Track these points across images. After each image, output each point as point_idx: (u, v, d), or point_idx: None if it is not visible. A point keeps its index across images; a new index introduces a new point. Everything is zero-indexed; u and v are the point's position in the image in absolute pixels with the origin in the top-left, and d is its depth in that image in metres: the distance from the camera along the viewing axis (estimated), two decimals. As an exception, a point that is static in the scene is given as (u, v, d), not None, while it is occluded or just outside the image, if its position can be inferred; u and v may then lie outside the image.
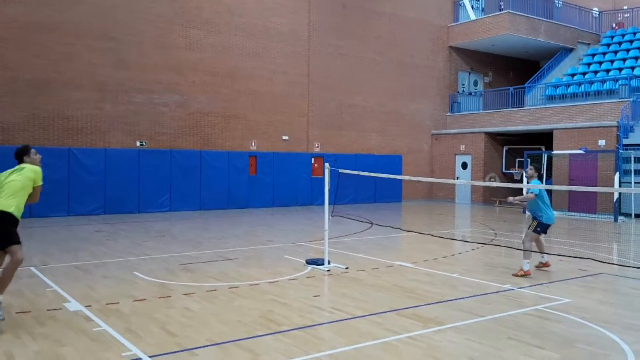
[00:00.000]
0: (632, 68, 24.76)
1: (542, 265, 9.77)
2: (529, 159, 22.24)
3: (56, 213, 17.48)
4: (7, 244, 6.14)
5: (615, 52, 27.13)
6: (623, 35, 28.32)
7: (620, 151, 19.45)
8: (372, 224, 16.45)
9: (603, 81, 24.29)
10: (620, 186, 18.71)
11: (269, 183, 22.32)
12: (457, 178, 26.83)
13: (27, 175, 6.37)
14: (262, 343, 5.60)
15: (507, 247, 12.71)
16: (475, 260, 11.02)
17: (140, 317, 6.47)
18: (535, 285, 8.50)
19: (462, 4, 28.94)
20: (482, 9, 29.65)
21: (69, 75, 18.52)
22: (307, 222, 17.51)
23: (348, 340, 5.72)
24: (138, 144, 19.75)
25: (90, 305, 6.95)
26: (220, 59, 21.57)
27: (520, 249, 9.47)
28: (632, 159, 19.27)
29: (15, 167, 6.53)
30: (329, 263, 9.60)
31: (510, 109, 26.07)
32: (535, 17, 27.35)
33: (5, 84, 17.45)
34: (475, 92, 29.67)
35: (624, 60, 25.94)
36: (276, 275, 8.94)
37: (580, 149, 20.85)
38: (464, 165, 26.91)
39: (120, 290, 7.87)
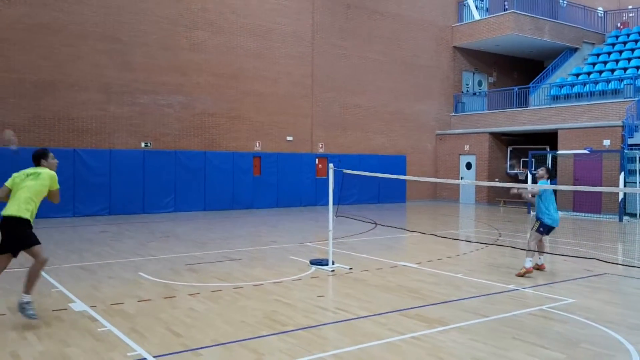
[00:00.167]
0: (637, 68, 24.68)
1: (537, 267, 9.63)
2: (533, 159, 22.24)
3: (61, 214, 17.54)
4: (28, 247, 6.30)
5: (620, 52, 27.04)
6: (628, 35, 28.23)
7: (625, 151, 19.39)
8: (376, 224, 16.44)
9: (608, 81, 24.21)
10: (625, 186, 18.66)
11: (273, 184, 22.34)
12: (462, 178, 26.80)
13: (43, 182, 6.44)
14: (266, 343, 5.62)
15: (512, 247, 12.68)
16: (479, 260, 11.01)
17: (145, 318, 6.49)
18: (539, 285, 8.49)
19: (466, 4, 28.91)
20: (487, 9, 29.60)
21: (74, 77, 18.60)
22: (311, 223, 17.53)
23: (352, 340, 5.73)
24: (143, 145, 19.81)
25: (95, 306, 6.98)
26: (224, 60, 21.61)
27: (525, 249, 9.46)
28: (637, 158, 19.21)
29: (32, 171, 6.54)
30: (333, 263, 9.61)
31: (514, 109, 26.03)
32: (539, 17, 27.29)
33: (10, 86, 17.53)
34: (480, 92, 29.63)
35: (629, 59, 25.86)
36: (280, 276, 8.96)
37: (585, 149, 20.80)
38: (469, 166, 26.88)
39: (125, 290, 7.90)
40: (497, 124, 26.20)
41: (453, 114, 28.69)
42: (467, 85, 29.78)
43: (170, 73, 20.42)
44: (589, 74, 26.14)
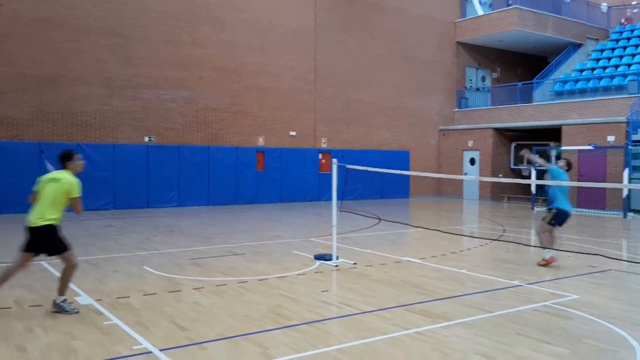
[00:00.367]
0: (642, 63, 24.60)
1: (547, 262, 9.70)
2: (537, 155, 22.16)
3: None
4: (57, 254, 6.46)
5: (624, 48, 26.95)
6: (632, 31, 28.12)
7: (630, 147, 19.34)
8: (379, 219, 16.46)
9: (612, 77, 24.14)
10: (629, 182, 18.62)
11: (277, 179, 22.36)
12: (465, 174, 26.77)
13: (61, 188, 6.43)
14: (271, 337, 5.64)
15: (516, 243, 12.70)
16: (483, 256, 11.01)
17: (150, 311, 6.52)
18: (543, 281, 8.50)
19: (469, 0, 28.82)
20: (490, 5, 29.51)
21: (77, 71, 18.62)
22: (315, 218, 17.54)
23: (356, 335, 5.75)
24: (146, 139, 19.84)
25: (100, 299, 7.01)
26: (227, 55, 21.60)
27: (530, 245, 9.49)
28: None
29: (54, 175, 6.55)
30: (337, 258, 9.62)
31: (518, 104, 25.97)
32: (543, 12, 27.20)
33: (13, 80, 17.55)
34: (483, 88, 29.57)
35: (633, 55, 25.77)
36: (285, 271, 8.98)
37: (589, 145, 20.76)
38: (472, 161, 26.85)
39: (130, 284, 7.93)
40: (501, 120, 26.15)
41: (456, 109, 28.64)
42: (471, 80, 29.72)
43: (173, 68, 20.43)
44: (592, 69, 26.06)
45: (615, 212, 19.05)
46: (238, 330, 5.83)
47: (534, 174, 21.11)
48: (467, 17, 28.70)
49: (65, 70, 18.42)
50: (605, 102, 22.42)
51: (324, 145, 24.20)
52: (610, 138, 20.93)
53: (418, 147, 27.22)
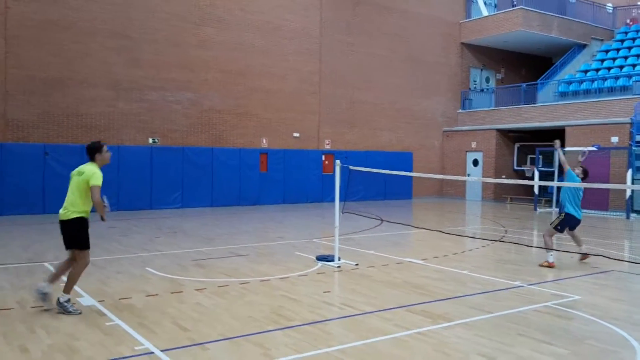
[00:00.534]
0: (646, 64, 24.54)
1: (548, 265, 9.76)
2: (540, 156, 22.16)
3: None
4: (74, 248, 6.56)
5: (629, 49, 26.89)
6: (637, 31, 28.06)
7: (633, 148, 19.30)
8: (382, 220, 16.47)
9: (616, 77, 24.08)
10: (632, 183, 18.58)
11: (280, 180, 22.39)
12: (468, 175, 26.75)
13: (85, 179, 6.51)
14: (272, 338, 5.66)
15: (518, 244, 12.68)
16: (485, 257, 11.01)
17: (152, 312, 6.55)
18: (545, 282, 8.50)
19: (474, 0, 28.81)
20: (495, 5, 29.51)
21: (83, 74, 18.70)
22: (318, 219, 17.57)
23: (358, 335, 5.77)
24: (150, 141, 19.90)
25: (103, 300, 7.05)
26: (232, 56, 21.66)
27: (532, 246, 9.50)
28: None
29: (80, 169, 6.65)
30: (339, 259, 9.64)
31: (522, 105, 25.93)
32: (548, 13, 27.16)
33: (20, 82, 17.64)
34: (487, 89, 29.54)
35: (638, 56, 25.71)
36: (287, 272, 9.00)
37: (592, 146, 20.71)
38: (475, 162, 26.83)
39: (132, 285, 7.97)
40: (505, 121, 26.12)
41: (460, 110, 28.62)
42: (475, 81, 29.69)
43: (179, 70, 20.49)
44: (597, 70, 26.00)
45: (618, 213, 19.00)
46: (240, 331, 5.86)
47: (537, 175, 21.10)
48: (472, 18, 28.70)
49: (72, 72, 18.50)
50: (609, 103, 22.38)
51: (327, 147, 24.22)
52: (614, 139, 20.88)
53: (421, 148, 27.21)
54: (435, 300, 7.25)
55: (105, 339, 5.56)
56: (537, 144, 24.60)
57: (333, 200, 9.98)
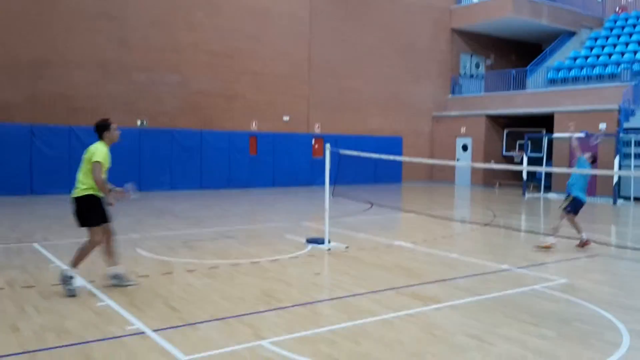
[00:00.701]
0: (635, 52, 24.67)
1: (585, 243, 9.99)
2: (528, 142, 22.29)
3: (58, 190, 17.53)
4: (85, 225, 6.47)
5: (618, 36, 27.00)
6: (626, 19, 28.15)
7: (621, 135, 19.46)
8: (372, 204, 16.54)
9: (605, 65, 24.21)
10: (620, 169, 18.77)
11: (270, 163, 22.36)
12: (458, 160, 26.86)
13: (88, 157, 6.49)
14: (263, 319, 5.70)
15: (506, 228, 12.81)
16: (474, 240, 11.12)
17: (143, 293, 6.56)
18: (532, 265, 8.60)
19: (465, -14, 28.75)
20: (485, -9, 29.40)
21: (70, 55, 18.48)
22: (308, 202, 17.60)
23: (348, 316, 5.82)
24: (139, 123, 19.75)
25: (93, 281, 7.03)
26: (221, 39, 21.48)
27: (520, 230, 9.59)
28: (632, 142, 19.30)
29: (88, 148, 6.61)
30: (329, 242, 9.68)
31: (511, 91, 26.01)
32: (538, -1, 27.19)
33: (5, 64, 17.41)
34: (477, 75, 29.57)
35: (627, 44, 25.83)
36: (277, 254, 9.03)
37: (581, 132, 20.84)
38: (465, 148, 26.94)
39: (124, 266, 7.95)
40: (494, 107, 26.19)
41: (450, 96, 28.66)
42: (465, 67, 29.71)
43: (167, 51, 20.31)
44: (586, 57, 26.10)
45: (605, 199, 19.20)
46: (230, 312, 5.89)
47: (525, 160, 21.24)
48: (462, 4, 28.62)
49: (59, 53, 18.27)
50: (597, 90, 22.51)
51: (317, 131, 24.19)
52: (602, 126, 21.03)
53: (411, 133, 27.24)
54: (424, 283, 7.32)
55: (97, 319, 5.56)
56: (525, 129, 24.74)
57: (323, 183, 10.00)
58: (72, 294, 6.29)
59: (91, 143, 18.44)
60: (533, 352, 4.91)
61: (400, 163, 25.71)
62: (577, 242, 10.12)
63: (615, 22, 28.49)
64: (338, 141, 22.73)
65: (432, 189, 24.61)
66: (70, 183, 19.71)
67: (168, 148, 19.89)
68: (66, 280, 6.32)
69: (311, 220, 13.12)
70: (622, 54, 25.00)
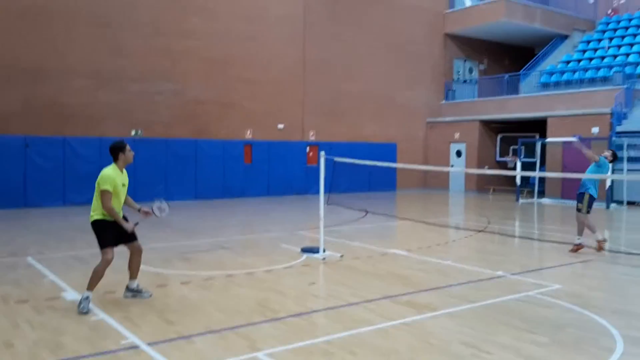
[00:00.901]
0: (627, 55, 24.84)
1: (579, 247, 10.21)
2: (522, 147, 22.38)
3: (52, 202, 17.50)
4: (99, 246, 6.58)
5: (610, 39, 27.18)
6: (618, 22, 28.36)
7: (614, 138, 19.55)
8: (367, 212, 16.56)
9: (597, 68, 24.35)
10: (612, 173, 18.83)
11: (265, 172, 22.35)
12: (452, 166, 26.92)
13: (97, 182, 6.54)
14: (259, 330, 5.70)
15: (500, 234, 12.84)
16: (468, 247, 11.14)
17: (138, 306, 6.55)
18: (526, 271, 8.62)
19: (457, -9, 28.90)
20: (478, -4, 29.59)
21: (65, 64, 18.46)
22: (303, 211, 17.60)
23: (343, 326, 5.82)
24: (133, 132, 19.73)
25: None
26: (215, 46, 21.52)
27: (515, 236, 9.61)
28: (625, 146, 19.39)
29: (101, 171, 6.63)
30: (324, 251, 9.69)
31: (505, 96, 26.12)
32: (530, 3, 27.33)
33: (0, 72, 17.38)
34: (470, 80, 29.69)
35: (619, 47, 26.01)
36: (272, 264, 9.03)
37: (573, 136, 20.92)
38: (459, 153, 27.01)
39: (117, 279, 7.91)
40: (487, 112, 26.27)
41: (444, 101, 28.75)
42: (458, 72, 29.82)
43: (161, 59, 20.32)
44: (579, 61, 26.26)
45: (598, 203, 19.21)
46: (226, 324, 5.88)
47: (519, 166, 21.31)
48: (455, 8, 28.76)
49: (53, 62, 18.24)
50: (590, 94, 22.63)
51: (312, 138, 24.22)
52: (595, 129, 21.13)
53: (405, 139, 27.27)
54: (420, 291, 7.33)
55: (91, 334, 5.55)
56: (519, 135, 24.83)
57: (318, 192, 10.02)
58: (84, 311, 6.21)
59: (85, 154, 18.51)
60: (527, 359, 4.93)
61: (394, 170, 25.75)
62: (572, 246, 10.26)
63: (608, 24, 28.69)
64: (332, 148, 22.75)
65: (427, 195, 24.65)
66: (65, 195, 19.62)
67: (163, 157, 19.85)
68: (81, 301, 6.30)
69: (306, 229, 13.13)
70: (615, 56, 25.17)
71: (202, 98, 21.27)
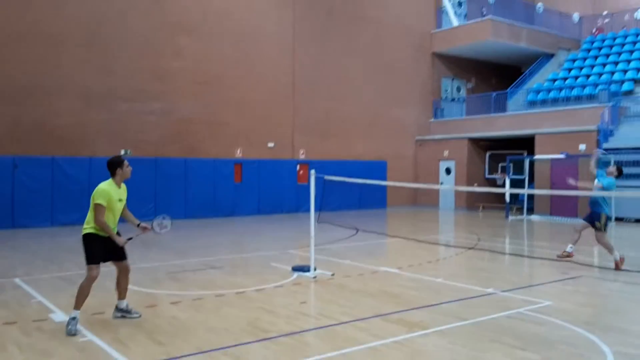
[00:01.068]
0: (612, 73, 25.22)
1: (567, 255, 10.52)
2: (511, 164, 22.54)
3: (40, 223, 17.35)
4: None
5: (595, 57, 27.62)
6: (603, 41, 28.84)
7: (600, 155, 19.71)
8: (357, 230, 16.56)
9: (583, 86, 24.68)
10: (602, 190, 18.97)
11: (255, 190, 22.33)
12: (441, 184, 27.04)
13: (92, 196, 6.56)
14: (249, 350, 5.66)
15: (490, 251, 12.88)
16: (459, 265, 11.15)
17: (127, 327, 6.49)
18: (517, 288, 8.64)
19: (444, 11, 29.26)
20: (465, 16, 29.99)
21: (54, 84, 18.43)
22: (293, 229, 17.57)
23: (334, 345, 5.79)
24: (122, 152, 19.67)
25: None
26: (205, 66, 21.60)
27: (505, 253, 9.65)
28: (612, 162, 19.56)
29: (97, 186, 6.67)
30: (315, 270, 9.66)
31: (492, 114, 26.37)
32: (516, 23, 27.73)
33: (-13, 94, 17.33)
34: (459, 98, 29.97)
35: (604, 65, 26.42)
36: (262, 283, 8.99)
37: (561, 154, 21.14)
38: (448, 171, 27.14)
39: (106, 300, 7.85)
40: (476, 130, 26.50)
41: (432, 119, 28.96)
42: (447, 91, 30.11)
43: (151, 79, 20.35)
44: (564, 79, 26.62)
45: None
46: (216, 344, 5.84)
47: (507, 183, 21.44)
48: (442, 28, 29.11)
49: (42, 82, 18.19)
50: (576, 112, 22.90)
51: (302, 157, 24.27)
52: (582, 147, 21.35)
53: (395, 157, 27.40)
54: (411, 309, 7.32)
55: (80, 356, 5.49)
56: (507, 152, 25.03)
57: (308, 210, 10.02)
58: (71, 333, 6.11)
59: (74, 174, 18.46)
60: (519, 377, 4.93)
61: (385, 188, 25.82)
62: (560, 252, 10.62)
63: (592, 43, 29.16)
64: (323, 167, 22.75)
65: (417, 213, 24.71)
66: (53, 215, 19.49)
67: (152, 177, 19.79)
68: (69, 322, 6.23)
69: (297, 247, 13.10)
70: (600, 74, 25.55)
71: (192, 117, 21.28)
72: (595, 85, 24.16)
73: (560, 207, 20.70)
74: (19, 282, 8.99)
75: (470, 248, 13.11)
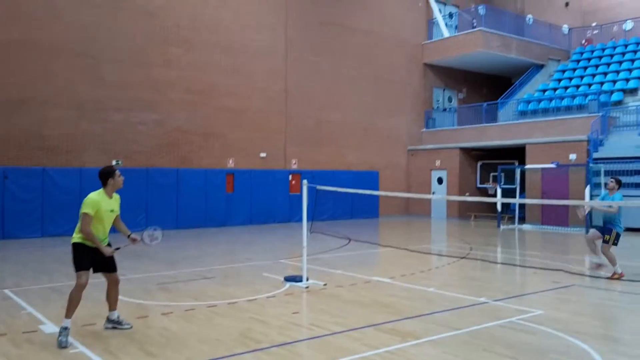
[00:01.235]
0: (601, 83, 25.47)
1: (598, 264, 10.55)
2: (502, 173, 22.65)
3: (30, 234, 17.23)
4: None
5: (585, 68, 27.89)
6: (592, 51, 29.16)
7: (591, 165, 19.89)
8: (349, 240, 16.55)
9: (573, 96, 24.90)
10: (590, 199, 19.10)
11: (247, 200, 22.29)
12: (433, 193, 27.12)
13: (82, 205, 6.54)
14: (241, 361, 5.62)
15: (483, 260, 12.91)
16: (451, 274, 11.16)
17: (118, 338, 6.44)
18: (509, 297, 8.66)
19: (435, 22, 29.47)
20: (456, 27, 30.23)
21: (46, 94, 18.35)
22: (285, 239, 17.53)
23: (327, 356, 5.77)
24: (114, 162, 19.59)
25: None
26: (198, 76, 21.60)
27: (497, 263, 9.67)
28: (602, 172, 19.72)
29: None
30: (307, 280, 9.64)
31: (483, 124, 26.53)
32: (507, 34, 27.98)
33: (-22, 104, 17.24)
34: (450, 109, 30.14)
35: (593, 75, 26.68)
36: (255, 293, 8.95)
37: (551, 163, 21.27)
38: (440, 181, 27.22)
39: (97, 311, 7.79)
40: (467, 139, 26.64)
41: (424, 129, 29.08)
42: (438, 101, 30.28)
43: (144, 90, 20.32)
44: (555, 89, 26.85)
45: (577, 229, 19.48)
46: (208, 355, 5.80)
47: (499, 192, 21.53)
48: (433, 39, 29.31)
49: (34, 92, 18.10)
50: (567, 122, 23.08)
51: (294, 167, 24.27)
52: (572, 156, 21.50)
53: (387, 167, 27.47)
54: (403, 319, 7.31)
55: (69, 367, 5.43)
56: (498, 161, 25.15)
57: (300, 220, 10.01)
58: (62, 345, 6.04)
59: (65, 185, 18.40)
60: (512, 386, 4.93)
61: (377, 198, 25.86)
62: (611, 275, 10.34)
63: (582, 54, 29.46)
64: (315, 177, 22.85)
65: (409, 223, 24.74)
66: (44, 226, 19.38)
67: (144, 187, 19.71)
68: (61, 332, 6.18)
69: (289, 257, 13.07)
70: (589, 85, 25.79)
71: (184, 128, 21.25)
72: (585, 95, 24.38)
73: (552, 216, 20.79)
74: (9, 293, 8.91)
75: (462, 257, 13.13)
